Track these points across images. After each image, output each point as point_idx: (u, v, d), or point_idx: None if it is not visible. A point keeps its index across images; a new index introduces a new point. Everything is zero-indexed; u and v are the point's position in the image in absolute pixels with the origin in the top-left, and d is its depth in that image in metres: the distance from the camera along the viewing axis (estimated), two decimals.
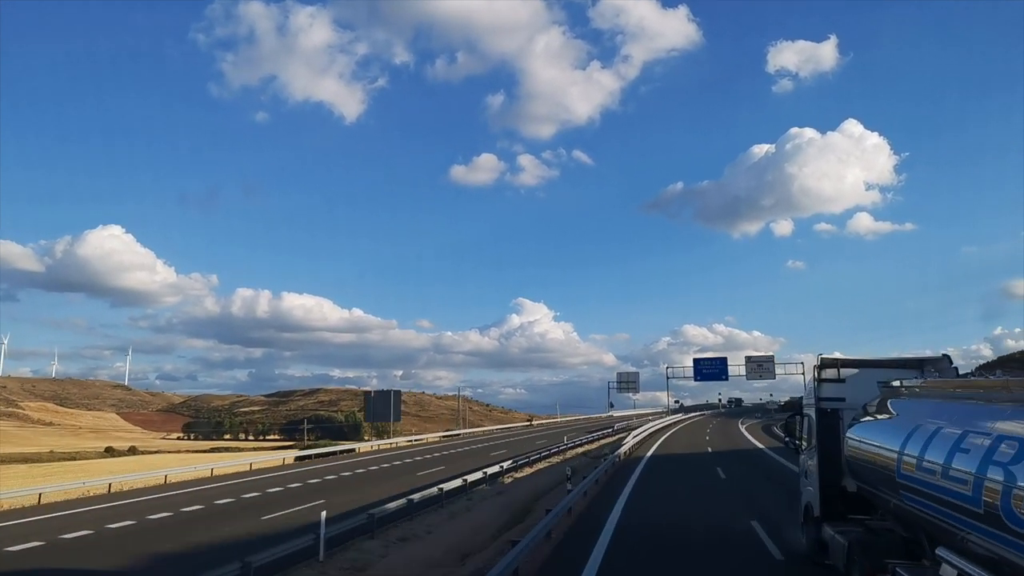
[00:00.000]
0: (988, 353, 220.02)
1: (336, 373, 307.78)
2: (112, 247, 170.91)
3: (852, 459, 8.91)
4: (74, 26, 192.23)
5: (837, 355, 11.25)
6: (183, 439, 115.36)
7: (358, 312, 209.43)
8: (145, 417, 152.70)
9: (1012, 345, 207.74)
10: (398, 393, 73.30)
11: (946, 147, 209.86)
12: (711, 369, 65.38)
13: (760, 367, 67.04)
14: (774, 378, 68.98)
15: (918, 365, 10.14)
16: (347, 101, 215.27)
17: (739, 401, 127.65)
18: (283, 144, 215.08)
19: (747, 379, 69.80)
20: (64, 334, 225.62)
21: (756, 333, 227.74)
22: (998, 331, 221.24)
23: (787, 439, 14.46)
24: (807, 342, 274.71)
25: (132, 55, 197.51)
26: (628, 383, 74.67)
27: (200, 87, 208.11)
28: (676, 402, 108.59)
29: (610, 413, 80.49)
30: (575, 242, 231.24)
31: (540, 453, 33.88)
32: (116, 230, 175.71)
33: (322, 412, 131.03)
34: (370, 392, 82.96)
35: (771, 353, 74.51)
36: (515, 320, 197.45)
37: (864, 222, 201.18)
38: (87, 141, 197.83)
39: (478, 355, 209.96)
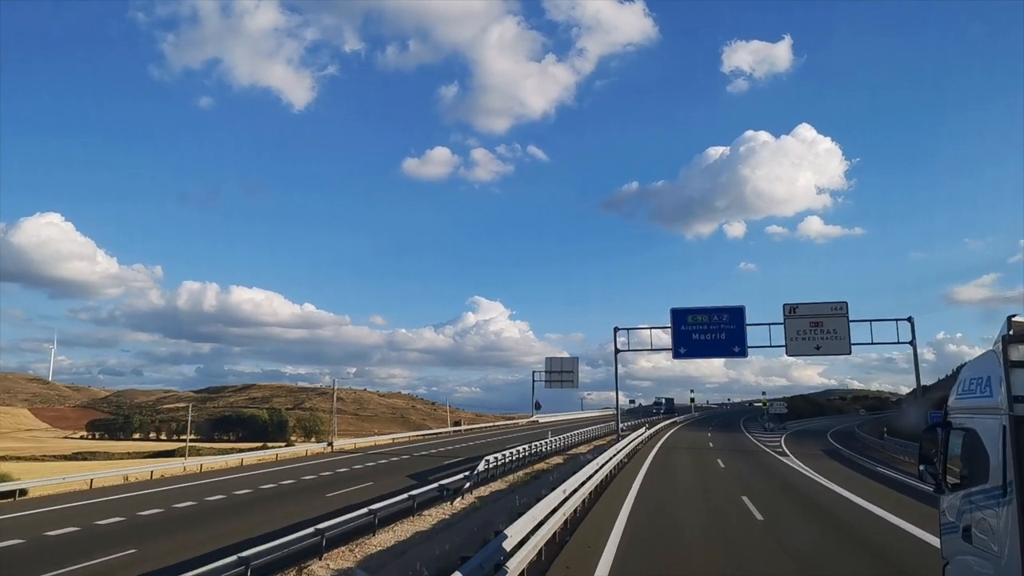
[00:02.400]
0: (931, 357, 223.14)
1: (288, 370, 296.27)
2: (49, 235, 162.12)
3: None
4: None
5: None
6: (87, 438, 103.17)
7: (310, 307, 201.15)
8: (59, 413, 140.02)
9: (953, 350, 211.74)
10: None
11: (895, 154, 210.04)
12: (707, 329, 35.91)
13: (561, 374, 58.81)
14: (575, 386, 61.42)
15: None
16: (296, 88, 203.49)
17: (670, 401, 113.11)
18: (229, 130, 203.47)
19: (547, 386, 60.73)
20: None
21: None
22: (940, 335, 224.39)
23: (922, 470, 7.03)
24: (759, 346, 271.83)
25: (69, 33, 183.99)
26: (561, 375, 59.41)
27: (140, 69, 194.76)
28: (631, 401, 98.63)
29: (534, 417, 69.82)
30: (531, 240, 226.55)
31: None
32: (54, 218, 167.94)
33: (251, 410, 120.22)
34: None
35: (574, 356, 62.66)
36: (471, 318, 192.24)
37: (815, 225, 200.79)
38: (21, 125, 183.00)
39: (433, 353, 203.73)
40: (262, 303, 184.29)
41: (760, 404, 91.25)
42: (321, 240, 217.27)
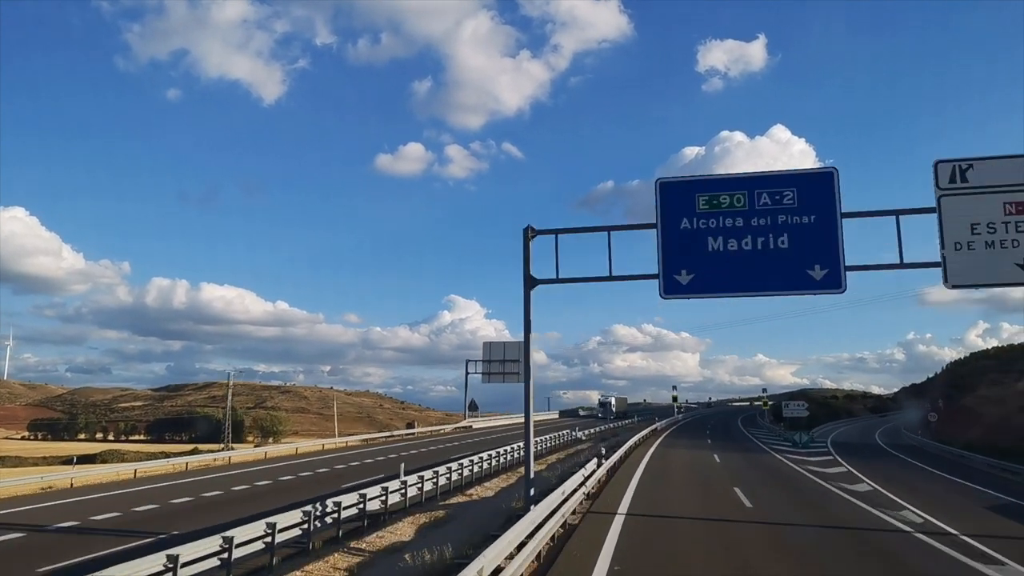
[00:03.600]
0: (901, 357, 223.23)
1: (262, 368, 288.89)
2: (13, 230, 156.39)
3: None
4: None
5: None
6: (28, 438, 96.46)
7: (283, 305, 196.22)
8: (9, 412, 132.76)
9: (923, 350, 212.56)
10: None
11: (868, 155, 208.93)
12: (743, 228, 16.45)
13: (503, 364, 48.82)
14: (521, 380, 48.52)
15: None
16: (266, 81, 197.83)
17: (621, 402, 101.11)
18: (198, 124, 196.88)
19: (484, 379, 51.70)
20: None
21: (684, 334, 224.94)
22: (911, 336, 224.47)
23: None
24: (731, 345, 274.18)
25: (31, 22, 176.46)
26: (504, 365, 49.45)
27: (106, 60, 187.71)
28: (602, 401, 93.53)
29: (466, 422, 60.89)
30: (506, 238, 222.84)
31: None
32: (18, 212, 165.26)
33: (209, 409, 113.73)
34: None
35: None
36: (446, 317, 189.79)
37: None
38: None
39: (408, 351, 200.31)
40: (233, 300, 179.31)
41: (760, 403, 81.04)
42: (294, 237, 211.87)
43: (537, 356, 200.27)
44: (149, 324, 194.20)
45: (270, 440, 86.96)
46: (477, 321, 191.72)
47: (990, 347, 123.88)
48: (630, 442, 36.84)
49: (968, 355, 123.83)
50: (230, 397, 61.51)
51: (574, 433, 47.98)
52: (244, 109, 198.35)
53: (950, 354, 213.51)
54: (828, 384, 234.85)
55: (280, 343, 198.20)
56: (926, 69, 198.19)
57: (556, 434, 43.42)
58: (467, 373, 60.34)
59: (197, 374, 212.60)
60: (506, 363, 50.95)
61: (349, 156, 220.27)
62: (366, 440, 49.23)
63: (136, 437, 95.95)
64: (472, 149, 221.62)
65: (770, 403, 71.80)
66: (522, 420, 70.48)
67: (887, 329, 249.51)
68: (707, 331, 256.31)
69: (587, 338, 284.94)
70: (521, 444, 24.47)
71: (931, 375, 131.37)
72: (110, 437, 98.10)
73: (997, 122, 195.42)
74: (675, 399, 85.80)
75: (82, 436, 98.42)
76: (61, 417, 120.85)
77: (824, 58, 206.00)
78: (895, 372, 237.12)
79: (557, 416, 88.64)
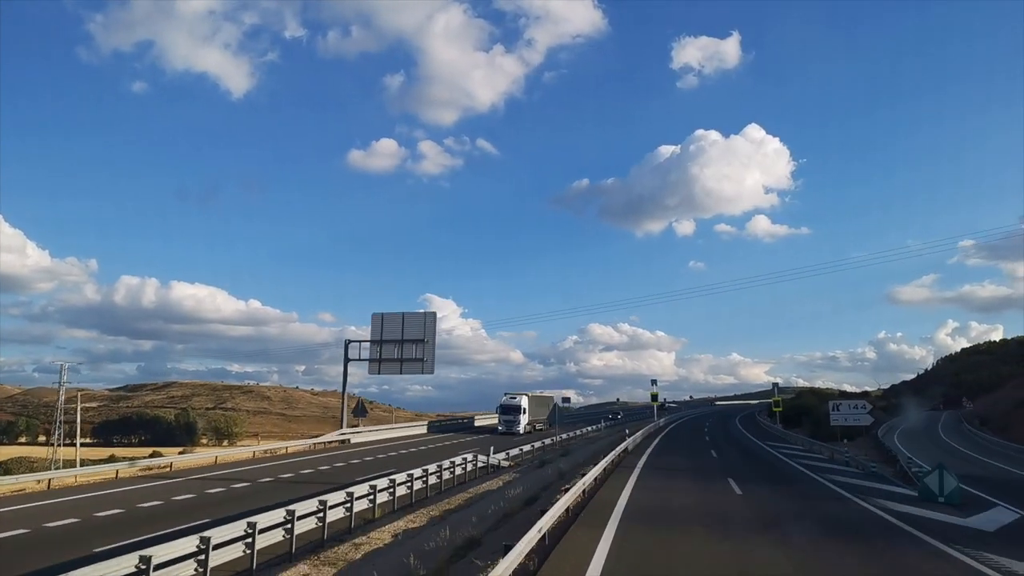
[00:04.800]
0: (872, 356, 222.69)
1: (235, 368, 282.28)
2: None
3: None
4: None
5: None
6: None
7: (255, 304, 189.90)
8: None
9: (894, 349, 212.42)
10: None
11: (841, 156, 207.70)
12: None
13: (399, 347, 40.44)
14: (426, 370, 42.90)
15: None
16: (233, 74, 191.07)
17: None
18: (165, 117, 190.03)
19: (372, 369, 44.14)
20: None
21: (660, 333, 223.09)
22: (882, 335, 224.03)
23: None
24: (707, 343, 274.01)
25: None
26: (400, 348, 40.21)
27: (68, 50, 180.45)
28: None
29: (342, 433, 40.25)
30: (482, 236, 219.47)
31: None
32: None
33: (166, 410, 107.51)
34: None
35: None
36: None
37: (762, 224, 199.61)
38: None
39: None
40: (204, 299, 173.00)
41: (756, 402, 72.47)
42: (266, 234, 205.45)
43: (513, 355, 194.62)
44: (118, 323, 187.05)
45: (224, 443, 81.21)
46: (453, 321, 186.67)
47: (982, 343, 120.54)
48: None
49: (959, 351, 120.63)
50: (61, 399, 55.29)
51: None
52: (212, 102, 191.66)
53: (920, 352, 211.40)
54: (801, 383, 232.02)
55: (253, 343, 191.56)
56: (901, 64, 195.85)
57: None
58: (346, 361, 43.20)
59: (169, 374, 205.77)
60: (403, 345, 38.61)
61: (321, 151, 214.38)
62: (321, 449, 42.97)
63: (85, 440, 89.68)
64: (446, 145, 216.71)
65: (857, 408, 39.61)
66: (413, 431, 51.72)
67: (859, 328, 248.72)
68: (684, 330, 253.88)
69: (564, 337, 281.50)
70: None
71: (920, 372, 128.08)
72: (52, 441, 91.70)
73: (974, 115, 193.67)
74: (655, 397, 58.85)
75: (23, 439, 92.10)
76: (11, 419, 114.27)
77: (797, 55, 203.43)
78: (866, 371, 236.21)
79: (425, 431, 53.38)
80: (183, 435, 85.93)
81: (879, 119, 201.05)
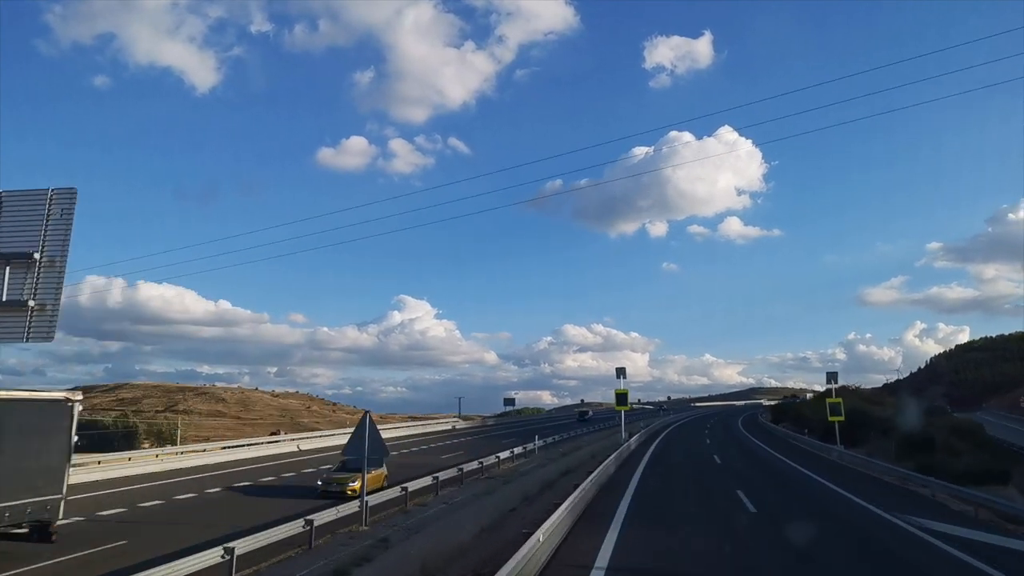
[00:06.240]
0: (843, 356, 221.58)
1: (205, 369, 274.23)
2: None
3: None
4: None
5: None
6: None
7: (225, 304, 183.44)
8: None
9: (863, 350, 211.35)
10: None
11: (812, 159, 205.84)
12: None
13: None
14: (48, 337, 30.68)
15: None
16: (198, 69, 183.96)
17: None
18: (128, 112, 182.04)
19: None
20: None
21: (634, 334, 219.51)
22: (851, 336, 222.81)
23: None
24: (679, 345, 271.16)
25: None
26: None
27: (24, 42, 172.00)
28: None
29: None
30: (455, 236, 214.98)
31: None
32: None
33: (114, 412, 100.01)
34: None
35: None
36: (396, 317, 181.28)
37: (734, 226, 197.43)
38: None
39: (357, 352, 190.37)
40: (172, 299, 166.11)
41: (754, 402, 59.26)
42: (234, 232, 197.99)
43: (488, 356, 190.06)
44: (84, 324, 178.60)
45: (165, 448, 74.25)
46: (427, 321, 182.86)
47: (976, 339, 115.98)
48: None
49: (955, 348, 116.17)
50: None
51: None
52: (177, 97, 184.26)
53: (888, 353, 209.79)
54: (773, 383, 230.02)
55: (223, 344, 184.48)
56: (872, 66, 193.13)
57: None
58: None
59: (137, 376, 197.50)
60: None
61: (291, 149, 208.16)
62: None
63: None
64: (417, 143, 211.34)
65: (838, 406, 35.19)
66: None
67: (829, 329, 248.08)
68: (657, 331, 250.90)
69: (538, 338, 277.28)
70: None
71: (913, 371, 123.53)
72: None
73: (946, 112, 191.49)
74: (623, 398, 41.15)
75: None
76: None
77: (769, 56, 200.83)
78: (837, 371, 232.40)
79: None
80: (122, 440, 78.73)
81: (850, 121, 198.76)
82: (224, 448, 37.62)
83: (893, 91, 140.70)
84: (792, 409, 75.76)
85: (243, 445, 38.47)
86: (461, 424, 72.72)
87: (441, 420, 75.76)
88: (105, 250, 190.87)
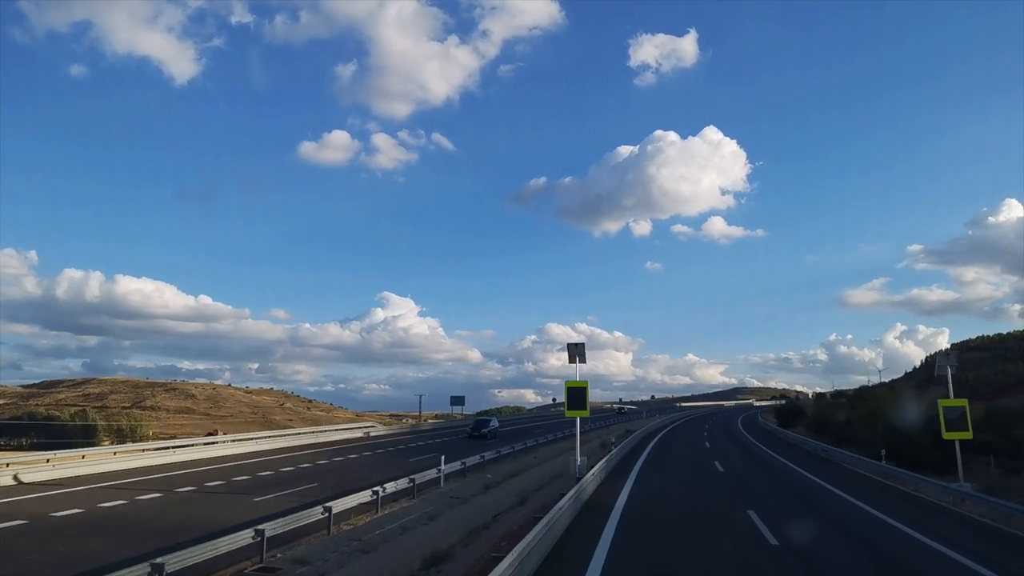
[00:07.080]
0: (824, 357, 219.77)
1: (185, 365, 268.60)
2: None
3: None
4: None
5: None
6: None
7: (205, 299, 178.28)
8: None
9: (844, 351, 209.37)
10: None
11: (796, 159, 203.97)
12: None
13: None
14: None
15: None
16: (178, 60, 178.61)
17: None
18: (106, 103, 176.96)
19: None
20: None
21: (618, 333, 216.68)
22: (832, 337, 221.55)
23: None
24: (662, 345, 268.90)
25: None
26: None
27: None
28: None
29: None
30: (439, 233, 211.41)
31: None
32: None
33: (69, 408, 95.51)
34: None
35: None
36: (379, 314, 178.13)
37: (718, 226, 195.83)
38: None
39: (339, 349, 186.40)
40: (152, 294, 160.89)
41: (750, 402, 53.66)
42: (216, 227, 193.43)
43: (471, 354, 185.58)
44: (61, 318, 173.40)
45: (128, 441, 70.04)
46: (410, 319, 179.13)
47: (973, 337, 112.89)
48: None
49: (952, 346, 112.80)
50: None
51: None
52: (155, 88, 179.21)
53: (869, 355, 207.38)
54: (756, 383, 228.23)
55: (204, 339, 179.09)
56: (855, 67, 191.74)
57: None
58: None
59: (115, 371, 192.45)
60: None
61: (270, 141, 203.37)
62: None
63: None
64: (400, 138, 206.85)
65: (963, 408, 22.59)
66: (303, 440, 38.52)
67: (811, 330, 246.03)
68: (641, 331, 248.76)
69: (522, 336, 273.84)
70: None
71: (909, 370, 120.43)
72: None
73: (928, 113, 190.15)
74: (575, 394, 25.13)
75: None
76: None
77: (754, 55, 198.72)
78: (818, 372, 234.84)
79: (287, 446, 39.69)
80: (80, 437, 74.40)
81: (833, 122, 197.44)
82: (158, 449, 33.54)
83: (877, 93, 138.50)
84: (799, 410, 70.05)
85: (170, 448, 34.13)
86: (380, 430, 57.81)
87: (356, 425, 60.26)
88: (82, 243, 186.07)
